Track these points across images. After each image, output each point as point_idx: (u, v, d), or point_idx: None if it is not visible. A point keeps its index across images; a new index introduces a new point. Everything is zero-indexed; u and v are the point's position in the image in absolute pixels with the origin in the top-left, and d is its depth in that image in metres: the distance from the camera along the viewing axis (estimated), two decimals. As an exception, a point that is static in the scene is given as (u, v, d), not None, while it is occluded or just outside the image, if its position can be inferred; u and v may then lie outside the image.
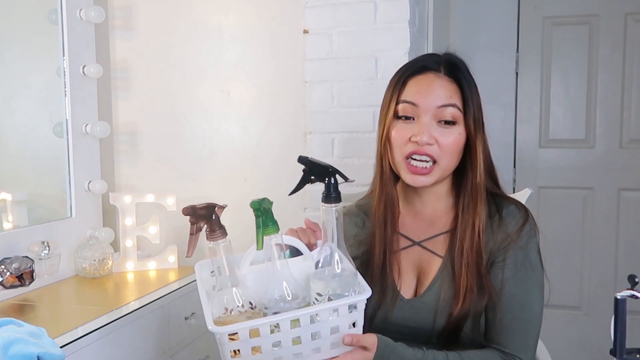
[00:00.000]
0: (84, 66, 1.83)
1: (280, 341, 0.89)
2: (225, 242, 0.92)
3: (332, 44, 1.82)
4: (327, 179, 0.93)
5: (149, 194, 1.85)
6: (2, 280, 1.47)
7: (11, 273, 1.48)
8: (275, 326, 0.88)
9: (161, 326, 1.54)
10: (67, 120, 1.81)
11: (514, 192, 1.27)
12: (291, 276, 0.94)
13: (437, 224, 1.11)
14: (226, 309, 0.90)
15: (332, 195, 0.92)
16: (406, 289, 1.09)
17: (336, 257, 0.93)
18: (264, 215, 0.92)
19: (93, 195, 1.89)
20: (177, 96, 2.02)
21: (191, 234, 0.91)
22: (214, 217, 0.91)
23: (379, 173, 1.10)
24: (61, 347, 1.14)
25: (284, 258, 0.95)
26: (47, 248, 1.66)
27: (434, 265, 1.08)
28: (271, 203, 0.94)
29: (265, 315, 0.92)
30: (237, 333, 0.86)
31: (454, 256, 1.05)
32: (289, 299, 0.92)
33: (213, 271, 0.97)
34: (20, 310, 1.43)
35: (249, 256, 0.99)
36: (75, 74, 1.82)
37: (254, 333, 0.87)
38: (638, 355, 0.68)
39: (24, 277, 1.50)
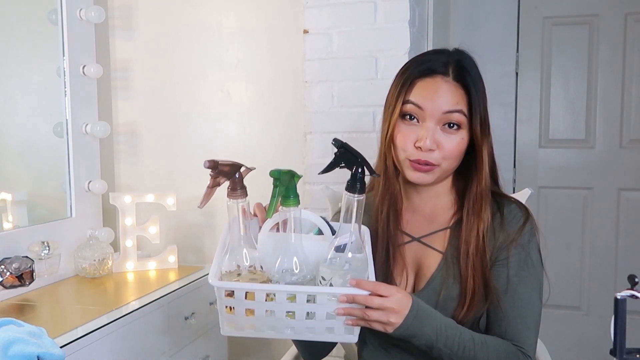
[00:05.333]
0: (84, 66, 1.83)
1: (274, 311, 0.90)
2: (244, 202, 0.93)
3: (332, 44, 1.82)
4: (354, 167, 0.93)
5: (149, 194, 1.84)
6: (2, 280, 1.47)
7: (11, 273, 1.48)
8: (272, 297, 0.89)
9: (161, 326, 1.54)
10: (67, 120, 1.81)
11: (514, 192, 1.27)
12: (303, 252, 0.95)
13: (436, 220, 1.12)
14: (238, 266, 0.92)
15: (356, 186, 0.93)
16: (406, 286, 1.10)
17: (349, 248, 0.94)
18: (282, 185, 0.94)
19: (93, 195, 1.89)
20: (177, 96, 2.02)
21: (208, 187, 0.93)
22: (237, 176, 0.92)
23: (383, 170, 1.10)
24: (61, 347, 1.14)
25: (300, 231, 0.97)
26: (47, 248, 1.66)
27: (433, 260, 1.08)
28: (298, 177, 0.95)
29: (269, 282, 0.94)
30: (233, 292, 0.88)
31: (453, 252, 1.06)
32: (296, 271, 0.93)
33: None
34: (20, 310, 1.43)
35: (270, 222, 1.01)
36: (75, 74, 1.82)
37: (250, 296, 0.88)
38: (638, 355, 0.68)
39: (24, 277, 1.50)
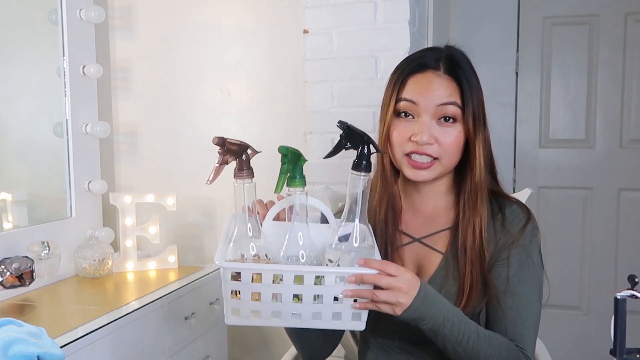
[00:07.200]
0: (84, 66, 1.83)
1: (281, 294, 0.88)
2: (250, 184, 0.93)
3: (332, 44, 1.82)
4: (360, 146, 0.92)
5: (149, 194, 1.84)
6: (2, 280, 1.47)
7: (11, 273, 1.48)
8: (279, 280, 0.87)
9: (161, 326, 1.54)
10: (67, 120, 1.81)
11: (514, 192, 1.27)
12: (309, 238, 0.94)
13: (437, 220, 1.11)
14: (242, 255, 0.92)
15: (362, 164, 0.91)
16: None
17: (356, 230, 0.93)
18: (290, 163, 0.93)
19: (93, 195, 1.89)
20: (177, 96, 2.02)
21: (216, 164, 0.93)
22: (244, 157, 0.93)
23: (380, 171, 1.10)
24: (61, 347, 1.14)
25: (306, 218, 0.96)
26: (47, 248, 1.66)
27: (434, 261, 1.08)
28: (304, 160, 0.94)
29: None
30: (240, 273, 0.87)
31: (455, 253, 1.06)
32: (302, 260, 0.92)
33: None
34: (20, 310, 1.43)
35: (275, 209, 1.00)
36: (75, 74, 1.82)
37: (257, 279, 0.87)
38: (638, 355, 0.68)
39: (24, 277, 1.50)
